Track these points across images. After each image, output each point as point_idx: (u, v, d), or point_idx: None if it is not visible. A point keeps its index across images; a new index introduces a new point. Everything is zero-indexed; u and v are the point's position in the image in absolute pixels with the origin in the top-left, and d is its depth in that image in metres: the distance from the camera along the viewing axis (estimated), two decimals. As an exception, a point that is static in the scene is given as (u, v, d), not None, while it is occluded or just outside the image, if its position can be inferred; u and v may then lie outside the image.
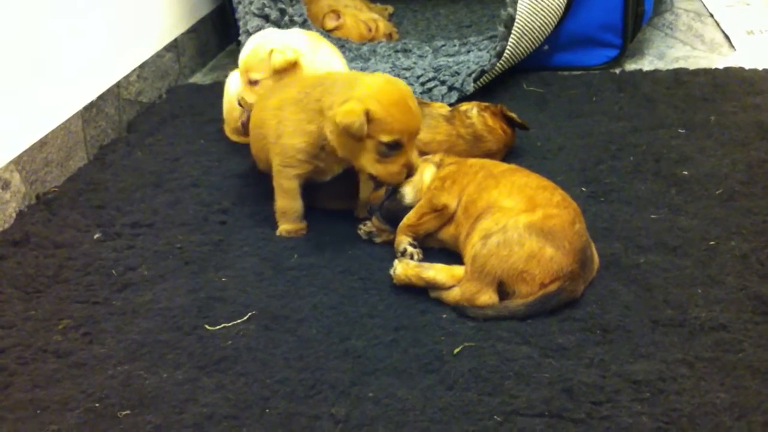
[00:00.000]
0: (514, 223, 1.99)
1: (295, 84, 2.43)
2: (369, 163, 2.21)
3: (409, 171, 2.19)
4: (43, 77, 2.79)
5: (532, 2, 3.13)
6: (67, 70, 2.92)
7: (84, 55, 3.03)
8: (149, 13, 3.50)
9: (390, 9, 4.41)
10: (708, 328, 1.89)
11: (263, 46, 2.64)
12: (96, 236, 2.46)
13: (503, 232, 1.98)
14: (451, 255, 2.20)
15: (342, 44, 3.72)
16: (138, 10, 3.41)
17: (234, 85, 2.87)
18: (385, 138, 2.14)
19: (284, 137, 2.32)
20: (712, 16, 3.90)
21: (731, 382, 1.74)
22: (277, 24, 3.32)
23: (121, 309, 2.14)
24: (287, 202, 2.39)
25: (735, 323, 1.90)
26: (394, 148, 2.16)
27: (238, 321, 2.05)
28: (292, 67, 2.62)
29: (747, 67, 3.23)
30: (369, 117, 2.12)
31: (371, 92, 2.16)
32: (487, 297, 1.98)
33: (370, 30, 3.91)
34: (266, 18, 3.32)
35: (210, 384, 1.86)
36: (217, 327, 2.04)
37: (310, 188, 2.42)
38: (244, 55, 2.70)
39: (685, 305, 1.97)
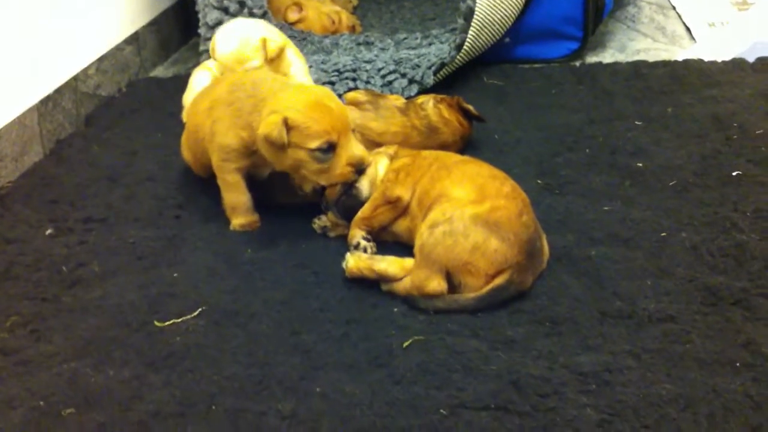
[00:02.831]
0: (460, 214, 1.98)
1: (222, 84, 2.42)
2: (314, 175, 2.20)
3: (359, 166, 2.18)
4: (-5, 71, 2.76)
5: (492, -6, 3.12)
6: (22, 63, 2.88)
7: (41, 48, 2.99)
8: (109, 5, 3.46)
9: (354, 1, 4.39)
10: (656, 320, 1.90)
11: (250, 37, 2.70)
12: (48, 232, 2.44)
13: (449, 222, 1.98)
14: (405, 249, 2.18)
15: (304, 37, 3.70)
16: (98, 2, 3.37)
17: (200, 84, 2.83)
18: (313, 144, 2.13)
19: (218, 136, 2.31)
20: (674, 8, 3.91)
21: (677, 373, 1.74)
22: (237, 17, 3.29)
23: (70, 306, 2.12)
24: (234, 195, 2.37)
25: (683, 314, 1.90)
26: (328, 150, 2.14)
27: (188, 317, 2.04)
28: (280, 54, 2.73)
29: (706, 59, 3.24)
30: (288, 125, 2.12)
31: (287, 102, 2.16)
32: (436, 284, 1.97)
33: (333, 22, 3.89)
34: (225, 10, 3.30)
35: (157, 381, 1.84)
36: (167, 323, 2.02)
37: (262, 184, 2.41)
38: (231, 49, 2.70)
39: (635, 297, 1.97)
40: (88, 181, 2.73)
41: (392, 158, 2.32)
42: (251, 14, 3.34)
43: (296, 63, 2.84)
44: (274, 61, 2.73)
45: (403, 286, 2.03)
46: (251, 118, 2.24)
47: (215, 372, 1.86)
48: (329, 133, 2.13)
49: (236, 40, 2.71)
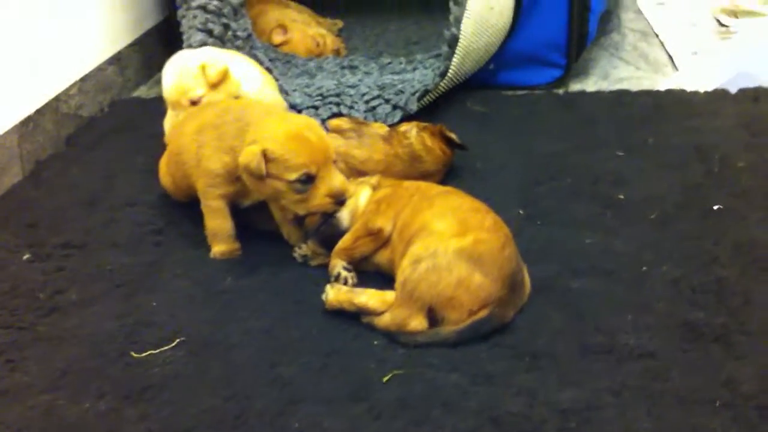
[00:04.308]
0: (444, 248, 1.97)
1: (211, 108, 2.42)
2: (292, 205, 2.20)
3: (339, 197, 2.17)
4: (-25, 92, 2.73)
5: (476, 22, 3.12)
6: (2, 83, 2.86)
7: (21, 67, 2.97)
8: (91, 25, 3.44)
9: (339, 24, 4.38)
10: (636, 356, 1.89)
11: (186, 66, 2.64)
12: (25, 257, 2.41)
13: (433, 257, 1.97)
14: (387, 279, 2.17)
15: (288, 59, 3.70)
16: (80, 22, 3.35)
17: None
18: (291, 176, 2.12)
19: (204, 161, 2.30)
20: (657, 36, 3.93)
21: (657, 411, 1.74)
22: (221, 39, 3.27)
23: (46, 335, 2.09)
24: (217, 222, 2.36)
25: (663, 351, 1.90)
26: (307, 182, 2.14)
27: (166, 348, 2.01)
28: (224, 78, 2.64)
29: (689, 89, 3.25)
30: (267, 157, 2.12)
31: (267, 133, 2.15)
32: (417, 322, 1.97)
33: (318, 45, 3.88)
34: (210, 33, 3.28)
35: (133, 414, 1.82)
36: (144, 354, 2.00)
37: (243, 210, 2.39)
38: (171, 82, 2.65)
39: (615, 331, 1.96)
40: (67, 204, 2.70)
41: (374, 188, 2.31)
42: (235, 36, 3.32)
43: (247, 79, 2.78)
44: (218, 85, 2.64)
45: (383, 321, 2.01)
46: (234, 143, 2.23)
47: (193, 405, 1.83)
48: (307, 165, 2.12)
49: (175, 72, 2.66)
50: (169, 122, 2.79)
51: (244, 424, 1.77)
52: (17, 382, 1.93)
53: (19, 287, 2.27)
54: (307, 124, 2.21)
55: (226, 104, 2.44)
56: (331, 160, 2.18)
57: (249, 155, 2.12)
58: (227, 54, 2.83)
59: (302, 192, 2.15)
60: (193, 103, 2.60)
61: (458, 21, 3.11)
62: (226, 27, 3.34)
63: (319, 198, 2.15)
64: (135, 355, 1.99)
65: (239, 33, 3.34)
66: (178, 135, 2.48)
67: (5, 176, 2.84)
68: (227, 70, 2.65)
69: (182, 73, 2.63)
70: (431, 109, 3.15)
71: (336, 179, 2.17)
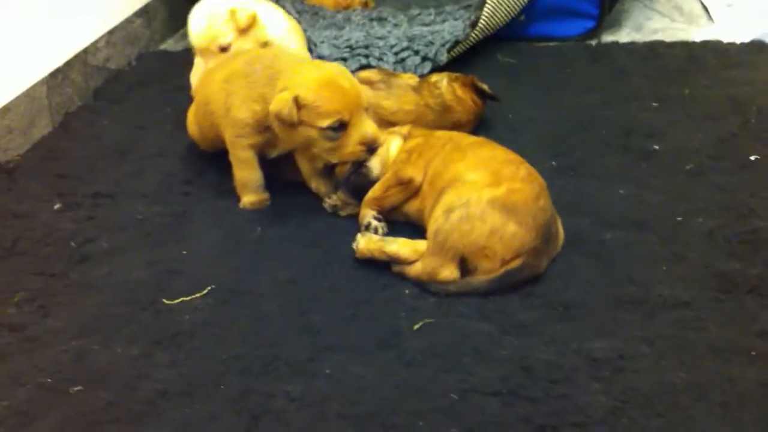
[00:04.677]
0: (477, 197, 1.95)
1: (240, 57, 2.40)
2: (324, 152, 2.18)
3: (371, 145, 2.14)
4: (5, 43, 2.72)
5: (508, -29, 3.08)
6: (31, 36, 2.85)
7: (50, 21, 2.96)
8: (119, -23, 3.43)
9: (367, -24, 4.33)
10: (670, 306, 1.87)
11: (215, 11, 2.60)
12: (56, 206, 2.42)
13: (466, 206, 1.95)
14: (416, 229, 2.16)
15: (316, 11, 3.65)
16: (108, -25, 3.34)
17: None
18: (324, 122, 2.10)
19: (233, 110, 2.28)
20: (691, -14, 3.85)
21: (691, 361, 1.72)
22: (249, -11, 3.24)
23: (77, 282, 2.10)
24: (246, 172, 2.35)
25: (697, 301, 1.88)
26: (339, 129, 2.12)
27: (197, 295, 2.02)
28: (253, 23, 2.61)
29: (725, 40, 3.19)
30: (299, 103, 2.10)
31: (299, 79, 2.13)
32: (449, 272, 1.95)
33: (345, -3, 3.84)
34: (237, -16, 3.25)
35: (164, 360, 1.83)
36: (175, 301, 2.00)
37: (272, 160, 2.38)
38: (200, 28, 2.61)
39: (648, 282, 1.94)
40: (96, 155, 2.70)
41: (405, 138, 2.29)
42: (264, -13, 3.29)
43: (273, 25, 2.75)
44: (247, 30, 2.63)
45: (414, 270, 2.00)
46: (265, 90, 2.21)
47: (223, 352, 1.84)
48: (340, 112, 2.10)
49: (204, 19, 2.63)
50: (196, 71, 2.77)
51: (275, 370, 1.78)
52: (49, 328, 1.94)
53: (50, 235, 2.28)
54: (339, 71, 2.18)
55: (255, 53, 2.41)
56: (363, 108, 2.16)
57: (280, 102, 2.10)
58: None
59: (334, 139, 2.13)
60: (222, 49, 2.58)
61: (490, -29, 3.06)
62: (253, -21, 3.30)
63: (351, 145, 2.13)
64: (166, 302, 2.00)
65: (266, -16, 3.30)
66: (206, 84, 2.46)
67: (35, 127, 2.84)
68: (256, 15, 2.63)
69: (211, 18, 2.60)
70: (461, 61, 3.11)
71: (368, 126, 2.15)
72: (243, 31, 2.60)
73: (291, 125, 2.12)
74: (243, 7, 2.63)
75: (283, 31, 2.78)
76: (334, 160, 2.20)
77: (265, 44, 2.66)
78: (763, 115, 2.61)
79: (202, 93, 2.48)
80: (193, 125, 2.56)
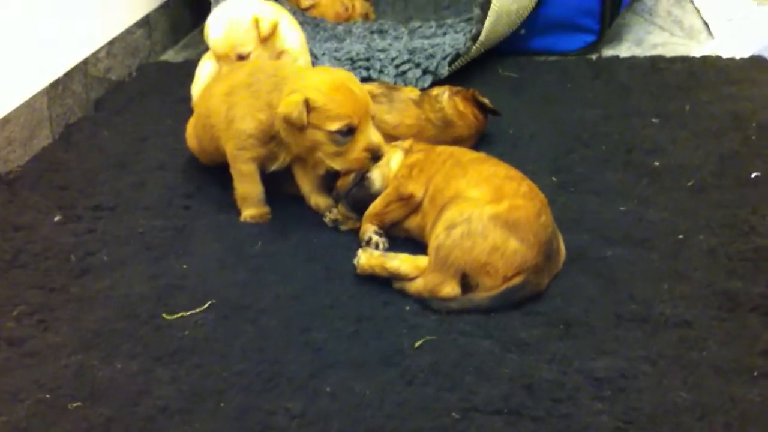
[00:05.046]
0: (479, 214, 1.95)
1: (243, 69, 2.40)
2: (328, 158, 2.18)
3: (375, 153, 2.15)
4: (6, 53, 2.72)
5: (509, -15, 3.08)
6: (32, 46, 2.85)
7: (51, 31, 2.96)
8: (121, -13, 3.43)
9: (368, -12, 4.33)
10: (672, 325, 1.87)
11: (240, 18, 2.58)
12: (56, 219, 2.41)
13: (467, 222, 1.94)
14: (417, 244, 2.16)
15: (317, 23, 3.66)
16: (109, -15, 3.34)
17: (207, 73, 2.79)
18: (333, 126, 2.10)
19: (236, 122, 2.28)
20: (692, 1, 3.85)
21: (693, 380, 1.72)
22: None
23: (78, 296, 2.09)
24: (247, 186, 2.34)
25: (700, 320, 1.87)
26: (347, 134, 2.12)
27: (197, 310, 2.01)
28: (274, 32, 2.61)
29: (724, 55, 3.20)
30: (309, 106, 2.10)
31: (310, 82, 2.14)
32: (450, 289, 1.95)
33: (346, 9, 3.84)
34: (238, -3, 3.25)
35: (165, 375, 1.82)
36: (175, 316, 2.00)
37: (273, 175, 2.38)
38: (221, 34, 2.59)
39: (650, 300, 1.94)
40: (97, 167, 2.70)
41: (407, 153, 2.29)
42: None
43: (290, 35, 2.74)
44: (268, 39, 2.63)
45: (415, 287, 2.00)
46: (270, 97, 2.21)
47: (224, 368, 1.83)
48: (350, 116, 2.10)
49: (226, 24, 2.60)
50: (197, 82, 2.77)
51: (276, 387, 1.77)
52: (50, 343, 1.94)
53: (50, 249, 2.27)
54: (348, 76, 2.19)
55: (256, 64, 2.42)
56: (371, 115, 2.16)
57: (291, 104, 2.10)
58: (270, 5, 2.76)
59: (341, 144, 2.13)
60: (241, 57, 2.57)
61: (491, -16, 3.06)
62: (255, -10, 3.30)
63: (356, 151, 2.14)
64: (166, 317, 1.99)
65: (268, -4, 3.30)
66: (207, 97, 2.46)
67: (35, 139, 2.84)
68: (277, 24, 2.62)
69: (233, 25, 2.59)
70: (462, 75, 3.11)
71: (374, 134, 2.16)
72: (264, 40, 2.59)
73: (299, 128, 2.12)
74: (264, 15, 2.62)
75: (300, 43, 2.78)
76: (337, 166, 2.20)
77: (281, 54, 2.66)
78: (764, 131, 2.61)
79: (202, 106, 2.48)
80: (192, 138, 2.56)
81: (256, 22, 2.58)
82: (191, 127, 2.58)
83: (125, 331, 1.96)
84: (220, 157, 2.40)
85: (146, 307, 2.03)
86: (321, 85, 2.12)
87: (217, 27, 2.62)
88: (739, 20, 3.58)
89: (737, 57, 3.18)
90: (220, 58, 2.63)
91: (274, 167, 2.36)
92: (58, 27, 3.00)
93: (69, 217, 2.42)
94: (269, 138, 2.25)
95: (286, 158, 2.32)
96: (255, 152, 2.29)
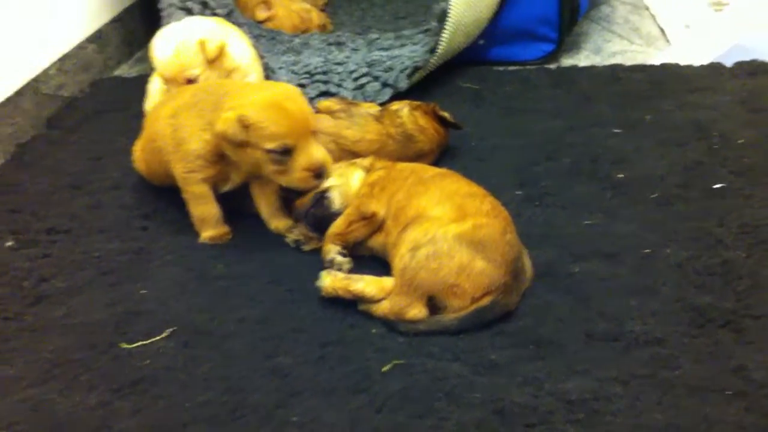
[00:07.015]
0: (443, 233, 1.91)
1: (185, 90, 2.36)
2: (272, 175, 2.14)
3: (317, 171, 2.10)
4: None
5: (466, -5, 3.05)
6: (-21, 65, 2.77)
7: (-1, 48, 2.88)
8: (70, 1, 3.33)
9: (324, -2, 4.29)
10: (643, 343, 1.84)
11: (184, 41, 2.54)
12: (8, 244, 2.33)
13: (432, 243, 1.90)
14: (383, 263, 2.12)
15: (273, 36, 3.60)
16: (58, -1, 3.25)
17: (158, 90, 2.73)
18: (269, 145, 2.07)
19: (183, 143, 2.23)
20: (648, 9, 3.87)
21: (668, 401, 1.69)
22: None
23: (32, 325, 2.02)
24: (202, 207, 2.29)
25: (671, 337, 1.85)
26: (285, 153, 2.08)
27: (157, 338, 1.95)
28: (221, 54, 2.58)
29: (682, 62, 3.20)
30: (243, 122, 2.06)
31: (246, 100, 2.10)
32: (417, 311, 1.91)
33: (303, 20, 3.79)
34: (188, 11, 3.18)
35: (125, 408, 1.76)
36: (135, 345, 1.93)
37: (230, 194, 2.32)
38: (167, 58, 2.54)
39: (620, 317, 1.92)
40: (51, 188, 2.62)
41: (368, 170, 2.25)
42: (214, 14, 3.21)
43: (239, 51, 2.71)
44: (215, 60, 2.59)
45: (381, 309, 1.95)
46: (212, 116, 2.16)
47: (187, 398, 1.77)
48: (285, 136, 2.06)
49: (171, 47, 2.56)
50: (151, 98, 2.71)
51: (241, 418, 1.72)
52: (4, 376, 1.86)
53: (3, 275, 2.19)
54: (286, 93, 2.14)
55: (200, 84, 2.37)
56: (311, 132, 2.12)
57: (225, 121, 2.07)
58: (217, 23, 2.73)
59: (281, 163, 2.09)
60: (189, 81, 2.51)
61: (447, -6, 3.03)
62: (204, 5, 3.23)
63: (297, 171, 2.10)
64: (125, 345, 1.93)
65: (218, 11, 3.23)
66: (153, 121, 2.40)
67: (-15, 159, 2.75)
68: (224, 45, 2.59)
69: (179, 48, 2.54)
70: (422, 87, 3.08)
71: (315, 152, 2.11)
72: (211, 62, 2.55)
73: (239, 145, 2.08)
74: (211, 36, 2.58)
75: (250, 58, 2.74)
76: (283, 183, 2.16)
77: (231, 72, 2.61)
78: (726, 139, 2.61)
79: (149, 130, 2.42)
80: (141, 162, 2.50)
81: (203, 45, 2.54)
82: (138, 151, 2.51)
83: (83, 361, 1.89)
84: (170, 180, 2.34)
85: (104, 336, 1.96)
86: (255, 102, 2.08)
87: (162, 49, 2.58)
88: (696, 27, 3.59)
89: (696, 64, 3.18)
90: (167, 81, 2.59)
91: (226, 188, 2.31)
92: (6, 44, 2.92)
93: (22, 242, 2.34)
94: (218, 158, 2.20)
95: (237, 178, 2.27)
96: (205, 173, 2.24)
